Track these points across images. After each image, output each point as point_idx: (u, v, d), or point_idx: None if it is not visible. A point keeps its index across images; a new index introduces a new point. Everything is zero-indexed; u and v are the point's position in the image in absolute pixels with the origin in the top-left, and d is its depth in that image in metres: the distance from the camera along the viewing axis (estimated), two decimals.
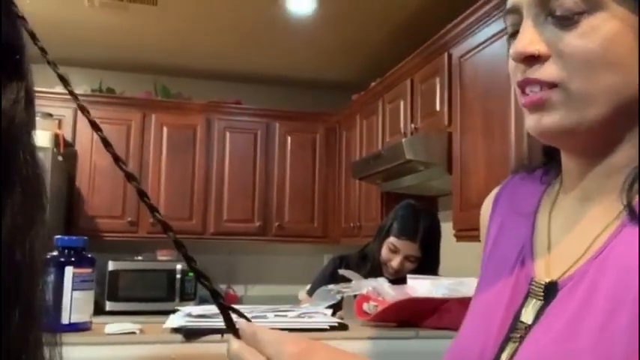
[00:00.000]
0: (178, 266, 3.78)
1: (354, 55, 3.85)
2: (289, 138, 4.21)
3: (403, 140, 2.73)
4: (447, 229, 2.96)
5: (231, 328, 0.53)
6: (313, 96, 4.51)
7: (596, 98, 0.54)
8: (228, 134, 4.13)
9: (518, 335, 0.57)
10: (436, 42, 2.79)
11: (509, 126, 2.20)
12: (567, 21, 0.54)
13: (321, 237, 4.21)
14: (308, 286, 3.90)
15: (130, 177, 0.56)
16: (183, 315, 1.14)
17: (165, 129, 3.98)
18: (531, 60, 0.56)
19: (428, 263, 2.07)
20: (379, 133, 3.42)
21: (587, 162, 0.60)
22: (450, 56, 2.68)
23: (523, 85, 0.57)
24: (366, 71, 3.88)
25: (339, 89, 4.33)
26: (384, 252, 2.08)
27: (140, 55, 3.94)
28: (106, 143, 0.56)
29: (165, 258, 3.93)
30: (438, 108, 2.74)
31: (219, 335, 1.07)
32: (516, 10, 0.59)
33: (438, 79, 2.76)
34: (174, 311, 1.21)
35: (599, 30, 0.54)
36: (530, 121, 0.58)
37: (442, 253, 3.18)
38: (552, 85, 0.55)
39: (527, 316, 0.58)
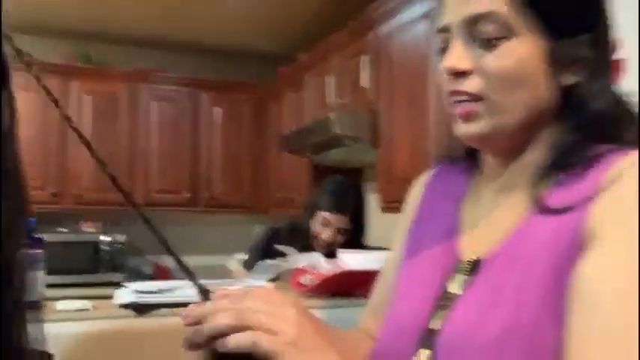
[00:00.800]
0: (103, 237, 3.75)
1: (282, 27, 3.87)
2: (217, 108, 4.20)
3: (331, 115, 2.83)
4: (372, 198, 3.12)
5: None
6: (241, 66, 4.50)
7: (511, 109, 0.65)
8: (154, 103, 4.07)
9: (448, 304, 0.67)
10: (362, 20, 2.88)
11: (430, 103, 2.35)
12: (488, 44, 0.65)
13: (251, 207, 4.27)
14: (237, 256, 3.99)
15: (100, 162, 0.62)
16: (131, 291, 1.20)
17: (87, 97, 3.87)
18: (459, 74, 0.66)
19: (356, 235, 2.22)
20: (307, 107, 3.51)
21: (503, 161, 0.71)
22: (375, 34, 2.78)
23: (452, 94, 0.68)
24: (293, 43, 3.93)
25: (266, 60, 4.34)
26: (316, 225, 2.20)
27: (61, 21, 3.78)
28: (67, 118, 0.62)
29: (90, 230, 3.88)
30: (364, 84, 2.86)
31: (169, 309, 1.15)
32: (447, 30, 0.69)
33: (364, 56, 2.87)
34: (104, 284, 1.26)
35: (513, 53, 0.64)
36: (460, 129, 0.69)
37: (367, 223, 3.35)
38: (477, 98, 0.66)
39: (455, 288, 0.68)
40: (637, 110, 0.67)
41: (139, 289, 1.20)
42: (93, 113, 3.87)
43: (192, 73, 4.24)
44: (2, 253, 0.57)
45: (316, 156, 3.34)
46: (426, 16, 2.40)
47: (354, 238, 2.19)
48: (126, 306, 1.14)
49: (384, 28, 2.71)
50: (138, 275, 4.05)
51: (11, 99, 0.62)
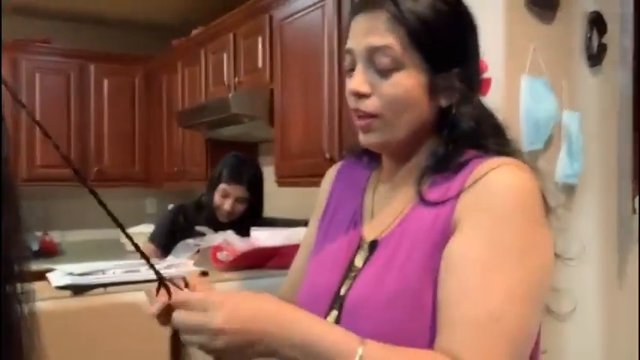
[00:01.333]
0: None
1: None
2: (106, 81, 4.11)
3: (230, 95, 2.94)
4: (268, 172, 3.30)
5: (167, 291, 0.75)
6: (129, 37, 4.39)
7: (400, 126, 0.85)
8: (37, 75, 3.90)
9: (353, 274, 0.87)
10: (258, 2, 3.00)
11: (322, 86, 2.56)
12: (384, 73, 0.83)
13: (143, 181, 4.27)
14: (130, 230, 4.02)
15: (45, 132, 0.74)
16: (65, 274, 1.29)
17: None
18: (360, 95, 0.84)
19: (255, 204, 2.44)
20: (202, 83, 3.56)
21: (395, 163, 0.92)
22: (271, 18, 2.91)
23: (355, 110, 0.86)
24: (187, 16, 3.92)
25: (159, 32, 4.27)
26: (217, 198, 2.39)
27: None
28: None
29: None
30: (260, 65, 2.99)
31: (103, 288, 1.27)
32: (351, 52, 0.87)
33: (260, 38, 2.99)
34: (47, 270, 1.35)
35: (402, 83, 0.83)
36: (361, 138, 0.88)
37: (265, 195, 3.53)
38: (374, 115, 0.84)
39: (359, 262, 0.88)
40: (499, 122, 0.88)
41: (72, 271, 1.30)
42: None
43: (79, 44, 4.10)
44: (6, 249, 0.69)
45: (212, 132, 3.43)
46: (318, 4, 2.58)
47: (254, 208, 2.41)
48: (63, 288, 1.25)
49: (279, 13, 2.85)
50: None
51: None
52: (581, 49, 1.83)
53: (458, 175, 0.81)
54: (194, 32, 3.69)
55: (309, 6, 2.64)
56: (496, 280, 0.72)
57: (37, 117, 3.85)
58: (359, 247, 0.90)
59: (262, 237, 1.67)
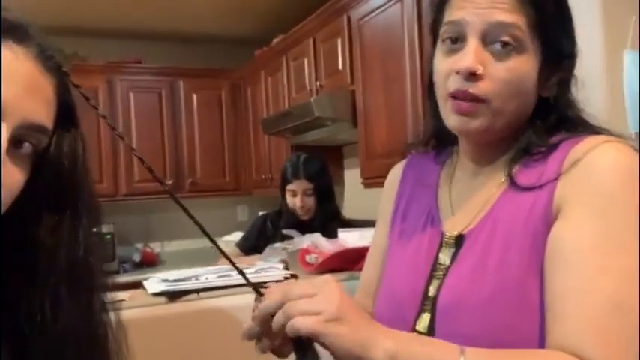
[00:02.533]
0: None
1: (255, 11, 3.93)
2: (194, 95, 4.27)
3: (312, 99, 2.95)
4: (354, 175, 3.27)
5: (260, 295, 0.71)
6: (215, 52, 4.55)
7: (505, 114, 0.78)
8: (131, 94, 4.11)
9: (440, 273, 0.80)
10: (335, 4, 2.99)
11: (405, 83, 2.50)
12: (501, 55, 0.75)
13: (234, 190, 4.37)
14: (224, 238, 4.13)
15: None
16: (159, 280, 1.33)
17: None
18: (472, 75, 0.75)
19: (323, 190, 2.47)
20: (285, 90, 3.61)
21: (482, 149, 0.84)
22: (349, 18, 2.90)
23: (459, 93, 0.76)
24: (268, 27, 4.00)
25: (241, 45, 4.39)
26: (289, 200, 2.47)
27: (29, 16, 3.77)
28: (102, 116, 0.74)
29: None
30: (340, 67, 2.98)
31: (196, 294, 1.29)
32: (459, 24, 0.76)
33: (339, 40, 2.98)
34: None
35: (520, 67, 0.76)
36: (456, 122, 0.78)
37: (351, 196, 3.51)
38: (481, 100, 0.76)
39: (445, 259, 0.81)
40: (585, 115, 0.82)
41: (166, 278, 1.33)
42: None
43: (168, 62, 4.28)
44: (90, 259, 0.70)
45: (296, 137, 3.46)
46: (396, 0, 2.53)
47: (323, 195, 2.46)
48: (158, 294, 1.28)
49: (357, 12, 2.83)
50: (128, 263, 4.16)
51: (83, 138, 0.73)
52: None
53: (551, 157, 0.76)
54: (275, 41, 3.75)
55: (387, 2, 2.60)
56: (611, 266, 0.66)
57: (133, 134, 4.07)
58: (441, 244, 0.83)
59: (350, 238, 1.64)
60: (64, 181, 0.67)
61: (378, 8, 2.67)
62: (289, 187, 2.45)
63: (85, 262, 0.68)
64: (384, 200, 0.99)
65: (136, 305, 1.23)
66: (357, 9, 2.83)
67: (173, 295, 1.27)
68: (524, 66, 0.76)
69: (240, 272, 0.72)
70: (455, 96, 0.77)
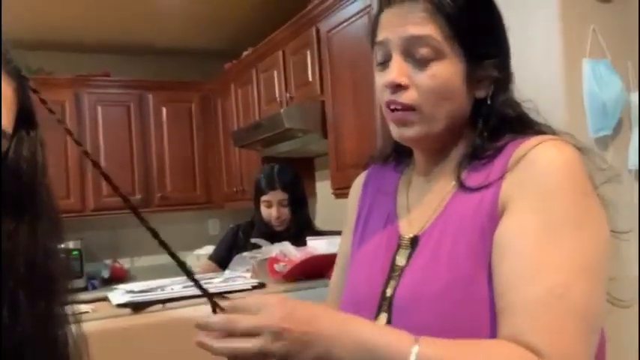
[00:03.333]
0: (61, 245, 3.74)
1: (224, 25, 3.94)
2: (164, 108, 4.23)
3: (282, 110, 2.95)
4: (325, 187, 3.28)
5: (216, 307, 0.70)
6: (185, 65, 4.53)
7: (439, 118, 0.82)
8: (99, 108, 4.06)
9: (397, 274, 0.83)
10: (304, 16, 3.01)
11: (373, 94, 2.51)
12: (422, 63, 0.80)
13: (205, 203, 4.34)
14: (196, 252, 4.07)
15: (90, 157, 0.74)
16: (124, 292, 1.30)
17: None
18: (398, 87, 0.81)
19: (297, 200, 2.45)
20: (255, 102, 3.61)
21: (430, 156, 0.89)
22: (317, 30, 2.92)
23: (390, 103, 0.82)
24: (237, 40, 4.00)
25: (211, 58, 4.38)
26: (263, 211, 2.44)
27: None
28: (68, 131, 0.73)
29: None
30: (310, 78, 2.99)
31: (161, 305, 1.26)
32: (384, 44, 0.83)
33: (308, 51, 3.00)
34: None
35: (442, 73, 0.80)
36: (396, 132, 0.85)
37: (322, 208, 3.51)
38: (411, 108, 0.81)
39: (401, 260, 0.84)
40: (527, 113, 0.85)
41: (131, 289, 1.30)
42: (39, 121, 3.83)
43: (137, 75, 4.25)
44: (49, 265, 0.69)
45: (267, 149, 3.46)
46: (364, 11, 2.56)
47: (298, 204, 2.44)
48: (123, 305, 1.25)
49: (326, 24, 2.85)
50: (97, 279, 4.08)
51: (42, 140, 0.72)
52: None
53: (497, 159, 0.80)
54: (245, 54, 3.76)
55: (354, 14, 2.62)
56: (554, 256, 0.69)
57: (101, 148, 4.01)
58: (399, 247, 0.87)
59: (319, 245, 1.63)
60: (23, 185, 0.66)
61: (345, 20, 2.70)
62: (264, 197, 2.43)
63: (45, 266, 0.67)
64: (349, 208, 1.03)
65: (100, 317, 1.20)
66: (326, 21, 2.85)
67: (138, 306, 1.24)
68: (446, 71, 0.81)
69: (198, 285, 0.71)
70: (388, 107, 0.83)
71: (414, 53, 0.80)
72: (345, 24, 2.71)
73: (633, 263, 1.51)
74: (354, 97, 2.68)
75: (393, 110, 0.82)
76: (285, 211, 2.41)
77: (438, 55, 0.80)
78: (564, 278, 0.67)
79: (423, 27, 0.79)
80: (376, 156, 1.01)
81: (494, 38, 0.85)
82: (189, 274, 0.74)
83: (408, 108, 0.81)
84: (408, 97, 0.80)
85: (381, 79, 0.83)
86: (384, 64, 0.83)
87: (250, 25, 3.84)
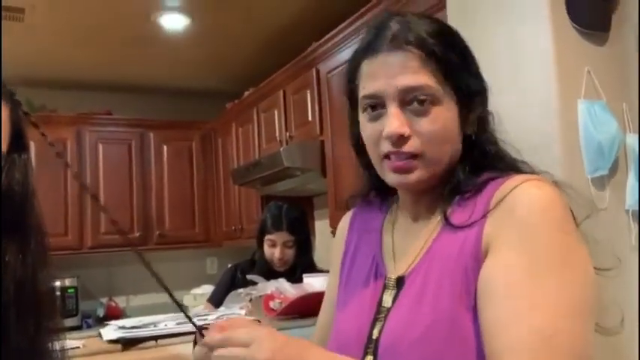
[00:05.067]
0: (57, 283, 3.71)
1: (226, 66, 4.00)
2: (165, 147, 4.27)
3: (281, 149, 2.97)
4: (323, 225, 3.27)
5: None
6: (187, 105, 4.58)
7: (441, 160, 0.82)
8: (100, 146, 4.09)
9: (383, 315, 0.82)
10: (305, 58, 3.07)
11: None
12: (421, 112, 0.80)
13: (203, 241, 4.32)
14: (193, 291, 4.02)
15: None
16: (117, 328, 1.28)
17: (31, 144, 3.84)
18: (400, 138, 0.80)
19: (302, 242, 2.43)
20: (255, 141, 3.64)
21: (416, 197, 0.88)
22: (317, 72, 2.97)
23: (396, 155, 0.81)
24: (239, 81, 4.06)
25: (213, 98, 4.43)
26: (267, 250, 2.40)
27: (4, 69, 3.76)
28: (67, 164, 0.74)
29: None
30: (310, 118, 3.02)
31: (154, 341, 1.24)
32: (376, 97, 0.81)
33: (308, 92, 3.04)
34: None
35: (440, 117, 0.81)
36: (397, 179, 0.83)
37: (321, 246, 3.49)
38: (415, 156, 0.81)
39: (387, 301, 0.83)
40: (506, 149, 0.86)
41: (123, 325, 1.28)
42: (37, 159, 3.82)
43: (138, 114, 4.29)
44: (38, 286, 0.69)
45: (266, 187, 3.46)
46: None
47: (303, 246, 2.41)
48: (114, 341, 1.23)
49: (326, 65, 2.90)
50: (92, 318, 4.02)
51: (32, 163, 0.73)
52: (638, 68, 1.73)
53: (480, 197, 0.80)
54: (246, 94, 3.81)
55: None
56: (540, 298, 0.68)
57: (101, 185, 4.02)
58: (385, 287, 0.86)
59: (315, 282, 1.61)
60: (14, 207, 0.66)
61: (345, 62, 2.73)
62: (269, 237, 2.39)
63: (33, 285, 0.67)
64: (334, 250, 1.02)
65: (90, 352, 1.18)
66: (326, 63, 2.90)
67: (129, 343, 1.22)
68: (444, 114, 0.81)
69: (187, 316, 0.71)
70: (389, 157, 0.82)
71: (411, 102, 0.80)
72: (344, 66, 2.75)
73: (634, 302, 1.49)
74: None
75: (392, 159, 0.81)
76: (289, 253, 2.38)
77: (435, 101, 0.80)
78: (552, 319, 0.66)
79: (418, 76, 0.79)
80: (356, 196, 1.01)
81: (476, 74, 0.87)
82: (176, 301, 0.74)
83: (412, 156, 0.81)
84: (411, 145, 0.80)
85: (374, 129, 0.82)
86: (375, 112, 0.82)
87: (252, 66, 3.91)
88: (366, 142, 0.86)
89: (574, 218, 0.76)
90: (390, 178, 0.83)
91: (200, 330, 0.74)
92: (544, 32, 1.60)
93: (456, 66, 0.82)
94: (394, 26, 0.82)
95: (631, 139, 1.67)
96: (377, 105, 0.82)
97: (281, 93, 3.32)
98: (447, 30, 0.86)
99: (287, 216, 2.41)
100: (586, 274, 0.72)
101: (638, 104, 1.68)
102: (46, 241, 0.74)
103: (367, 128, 0.84)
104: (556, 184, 0.78)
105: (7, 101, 0.64)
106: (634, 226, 1.63)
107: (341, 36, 2.74)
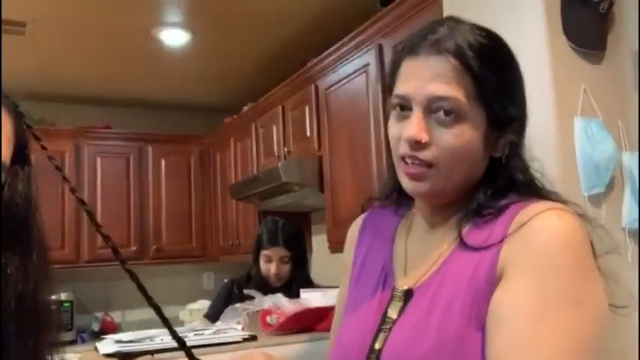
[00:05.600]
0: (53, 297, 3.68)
1: (226, 82, 4.02)
2: (163, 161, 4.27)
3: (279, 164, 2.98)
4: (321, 241, 3.26)
5: None
6: (185, 119, 4.59)
7: (454, 177, 0.80)
8: (99, 159, 4.09)
9: (387, 327, 0.80)
10: (303, 74, 3.09)
11: (370, 150, 2.55)
12: (445, 123, 0.78)
13: (200, 256, 4.31)
14: (189, 306, 4.00)
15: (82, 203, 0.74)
16: (114, 342, 1.27)
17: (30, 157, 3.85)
18: (417, 144, 0.78)
19: (299, 258, 2.42)
20: (254, 156, 3.64)
21: (434, 209, 0.86)
22: (316, 88, 2.99)
23: (407, 157, 0.79)
24: (238, 96, 4.08)
25: (212, 113, 4.46)
26: (263, 265, 2.39)
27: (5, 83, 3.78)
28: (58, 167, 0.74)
29: None
30: (308, 134, 3.04)
31: (150, 355, 1.24)
32: (405, 98, 0.80)
33: (307, 108, 3.06)
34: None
35: (465, 134, 0.78)
36: (409, 185, 0.81)
37: (318, 262, 3.48)
38: (429, 165, 0.79)
39: (393, 313, 0.82)
40: (535, 177, 0.83)
41: (120, 339, 1.28)
42: (36, 172, 3.84)
43: (137, 128, 4.30)
44: (38, 300, 0.69)
45: (264, 202, 3.46)
46: (361, 71, 2.63)
47: (299, 261, 2.41)
48: (111, 355, 1.22)
49: (324, 81, 2.92)
50: (87, 333, 3.99)
51: (33, 176, 0.74)
52: (634, 87, 1.75)
53: (499, 220, 0.77)
54: (244, 109, 3.82)
55: (353, 72, 2.69)
56: (549, 333, 0.66)
57: (98, 199, 4.01)
58: (392, 298, 0.84)
59: (312, 298, 1.61)
60: (17, 219, 0.66)
61: (344, 78, 2.76)
62: (265, 252, 2.38)
63: (35, 300, 0.67)
64: (345, 253, 1.00)
65: None
66: (324, 79, 2.92)
67: (126, 356, 1.22)
68: (468, 132, 0.79)
69: (179, 341, 0.69)
70: (405, 160, 0.81)
71: (437, 112, 0.78)
72: (342, 82, 2.78)
73: (633, 325, 1.49)
74: (350, 153, 2.71)
75: (407, 163, 0.80)
76: (285, 268, 2.38)
77: (461, 116, 0.78)
78: (559, 357, 0.65)
79: (449, 87, 0.77)
80: (376, 198, 0.97)
81: (515, 100, 0.83)
82: (167, 324, 0.72)
83: (426, 165, 0.79)
84: (427, 154, 0.78)
85: (398, 130, 0.81)
86: (403, 112, 0.81)
87: (251, 82, 3.93)
88: (390, 140, 0.84)
89: (594, 251, 0.74)
90: (404, 182, 0.82)
91: (193, 356, 0.69)
92: (540, 51, 1.62)
93: (491, 85, 0.79)
94: (441, 30, 0.80)
95: (627, 157, 1.68)
96: (405, 106, 0.81)
97: (280, 108, 3.34)
98: (494, 47, 0.82)
99: (283, 231, 2.41)
100: (600, 312, 0.70)
101: (638, 127, 1.70)
102: (48, 255, 0.75)
103: (392, 127, 0.83)
104: (580, 216, 0.75)
105: (11, 113, 0.64)
106: (630, 244, 1.63)
107: (340, 52, 2.76)
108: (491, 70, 0.79)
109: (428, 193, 0.81)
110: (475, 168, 0.81)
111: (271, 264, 2.36)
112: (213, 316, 2.44)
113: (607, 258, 0.78)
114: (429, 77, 0.78)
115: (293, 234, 2.44)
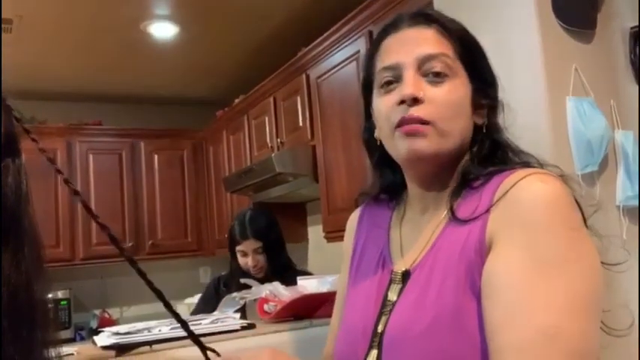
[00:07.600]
0: (49, 295, 3.68)
1: (216, 74, 4.01)
2: (156, 156, 4.25)
3: (272, 155, 2.97)
4: (317, 231, 3.26)
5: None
6: (177, 113, 4.58)
7: (452, 134, 0.82)
8: (91, 156, 4.08)
9: (388, 309, 0.82)
10: (294, 64, 3.07)
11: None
12: (437, 80, 0.81)
13: (196, 250, 4.31)
14: (186, 300, 4.00)
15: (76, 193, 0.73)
16: (111, 334, 1.27)
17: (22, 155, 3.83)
18: (412, 102, 0.80)
19: (272, 246, 2.36)
20: (247, 148, 3.63)
21: (426, 189, 0.88)
22: (307, 77, 2.98)
23: (407, 120, 0.80)
24: (229, 89, 4.07)
25: (203, 106, 4.44)
26: (240, 260, 2.37)
27: None
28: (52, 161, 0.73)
29: None
30: (300, 124, 3.03)
31: (148, 347, 1.23)
32: (396, 68, 0.83)
33: (298, 98, 3.05)
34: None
35: (456, 90, 0.82)
36: (405, 146, 0.81)
37: (314, 252, 3.48)
38: (426, 122, 0.80)
39: (392, 296, 0.83)
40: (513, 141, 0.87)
41: (117, 331, 1.27)
42: (27, 171, 3.82)
43: (129, 124, 4.28)
44: (32, 295, 0.68)
45: (258, 194, 3.46)
46: (352, 58, 2.62)
47: (273, 248, 2.35)
48: (108, 347, 1.22)
49: (315, 70, 2.91)
50: (85, 330, 3.99)
51: (25, 169, 0.73)
52: (625, 65, 1.75)
53: (485, 190, 0.79)
54: (236, 101, 3.81)
55: (343, 60, 2.68)
56: (544, 296, 0.66)
57: (91, 196, 4.00)
58: (391, 281, 0.86)
59: (309, 285, 1.62)
60: (7, 213, 0.65)
61: (334, 67, 2.75)
62: (239, 247, 2.36)
63: (28, 294, 0.66)
64: (344, 244, 1.02)
65: (84, 359, 1.17)
66: (315, 68, 2.91)
67: (123, 348, 1.21)
68: (459, 88, 0.83)
69: (190, 332, 0.69)
70: (401, 124, 0.81)
71: (429, 71, 0.82)
72: (333, 70, 2.77)
73: (632, 299, 1.50)
74: (343, 142, 2.70)
75: (404, 125, 0.81)
76: (262, 258, 2.34)
77: (451, 73, 0.82)
78: (556, 318, 0.65)
79: (437, 45, 0.83)
80: (365, 195, 1.01)
81: (488, 65, 0.88)
82: (182, 322, 0.72)
83: (422, 122, 0.80)
84: (423, 110, 0.80)
85: (388, 100, 0.82)
86: (390, 86, 0.83)
87: (241, 74, 3.92)
88: (378, 119, 0.85)
89: (582, 213, 0.74)
90: (402, 147, 0.82)
91: (204, 347, 0.71)
92: (531, 30, 1.62)
93: (473, 47, 0.85)
94: (416, 10, 0.88)
95: (620, 135, 1.68)
96: (393, 80, 0.83)
97: (271, 99, 3.33)
98: (465, 28, 0.89)
99: (251, 223, 2.37)
100: (592, 269, 0.70)
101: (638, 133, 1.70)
102: (41, 251, 0.73)
103: (381, 102, 0.84)
104: (563, 178, 0.76)
105: None
106: (624, 222, 1.64)
107: (330, 40, 2.75)
108: (468, 39, 0.86)
109: (426, 150, 0.81)
110: (466, 130, 0.84)
111: (247, 257, 2.34)
112: (199, 311, 2.41)
113: (596, 217, 0.79)
114: (415, 43, 0.83)
115: (262, 224, 2.40)
